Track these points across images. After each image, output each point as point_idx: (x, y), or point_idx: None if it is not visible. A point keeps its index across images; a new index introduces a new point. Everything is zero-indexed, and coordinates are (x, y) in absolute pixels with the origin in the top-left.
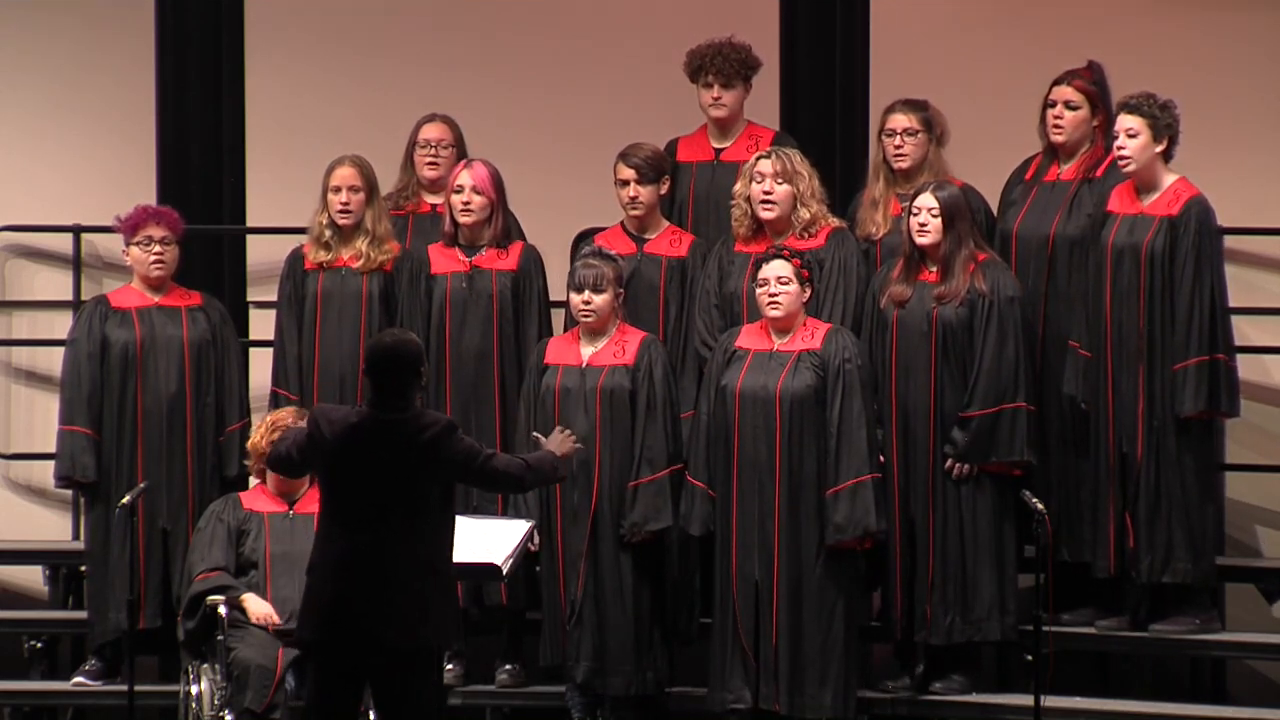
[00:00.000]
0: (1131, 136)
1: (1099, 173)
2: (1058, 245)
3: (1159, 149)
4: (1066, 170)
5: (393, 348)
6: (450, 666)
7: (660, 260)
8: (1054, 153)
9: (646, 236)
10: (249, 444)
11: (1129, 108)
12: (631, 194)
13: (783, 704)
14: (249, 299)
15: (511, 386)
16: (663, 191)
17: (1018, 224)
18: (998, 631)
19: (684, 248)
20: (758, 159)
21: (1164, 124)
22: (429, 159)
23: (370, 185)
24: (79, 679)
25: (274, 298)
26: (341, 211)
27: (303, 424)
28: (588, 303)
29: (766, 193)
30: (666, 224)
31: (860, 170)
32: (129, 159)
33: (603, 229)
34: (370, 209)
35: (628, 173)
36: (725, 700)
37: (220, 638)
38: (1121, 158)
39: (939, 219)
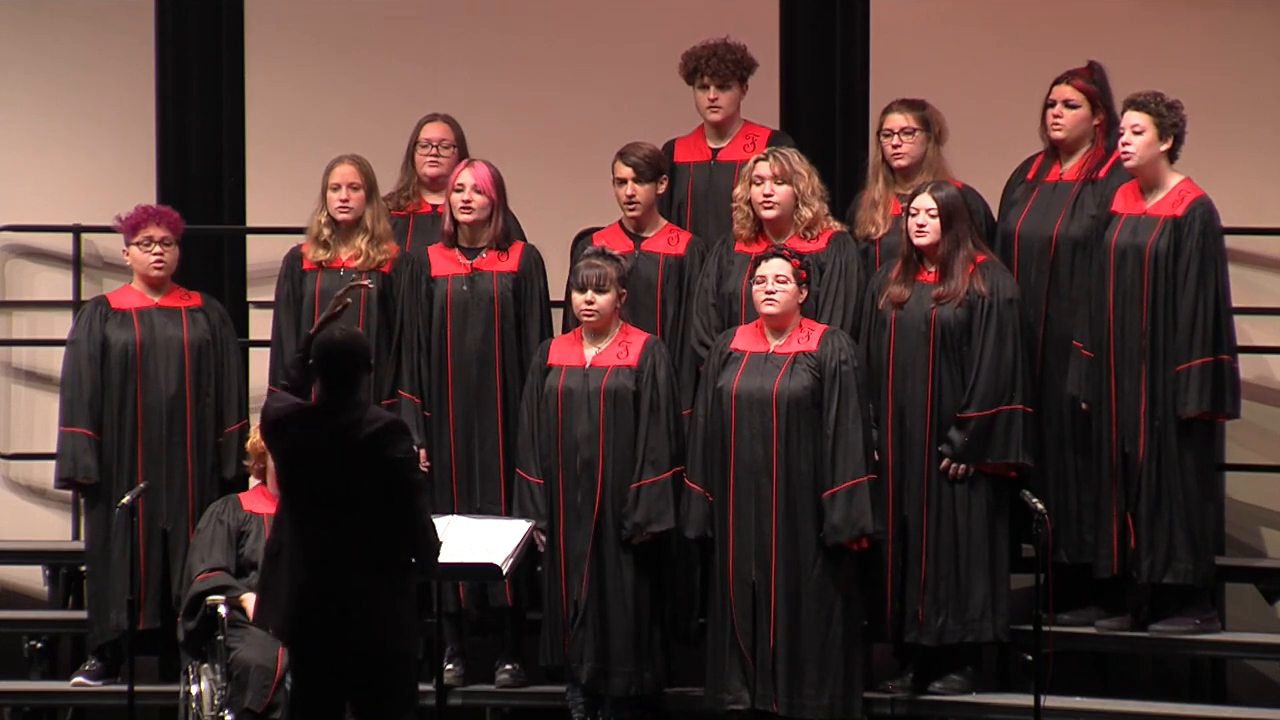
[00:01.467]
0: (1137, 133)
1: (1101, 174)
2: (1060, 246)
3: (1164, 148)
4: (1069, 170)
5: (342, 343)
6: (450, 666)
7: (657, 258)
8: (1055, 153)
9: (644, 235)
10: (248, 444)
11: (1136, 105)
12: (629, 192)
13: (781, 705)
14: (249, 299)
15: (513, 388)
16: (660, 191)
17: (1020, 224)
18: (990, 632)
19: (681, 246)
20: (756, 161)
21: (1170, 123)
22: (430, 158)
23: (370, 184)
24: (79, 679)
25: (273, 298)
26: (341, 208)
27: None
28: (590, 303)
29: (767, 195)
30: (664, 222)
31: (860, 170)
32: (129, 159)
33: (601, 229)
34: (370, 207)
35: (625, 171)
36: (724, 701)
37: (220, 638)
38: (1125, 154)
39: (937, 219)
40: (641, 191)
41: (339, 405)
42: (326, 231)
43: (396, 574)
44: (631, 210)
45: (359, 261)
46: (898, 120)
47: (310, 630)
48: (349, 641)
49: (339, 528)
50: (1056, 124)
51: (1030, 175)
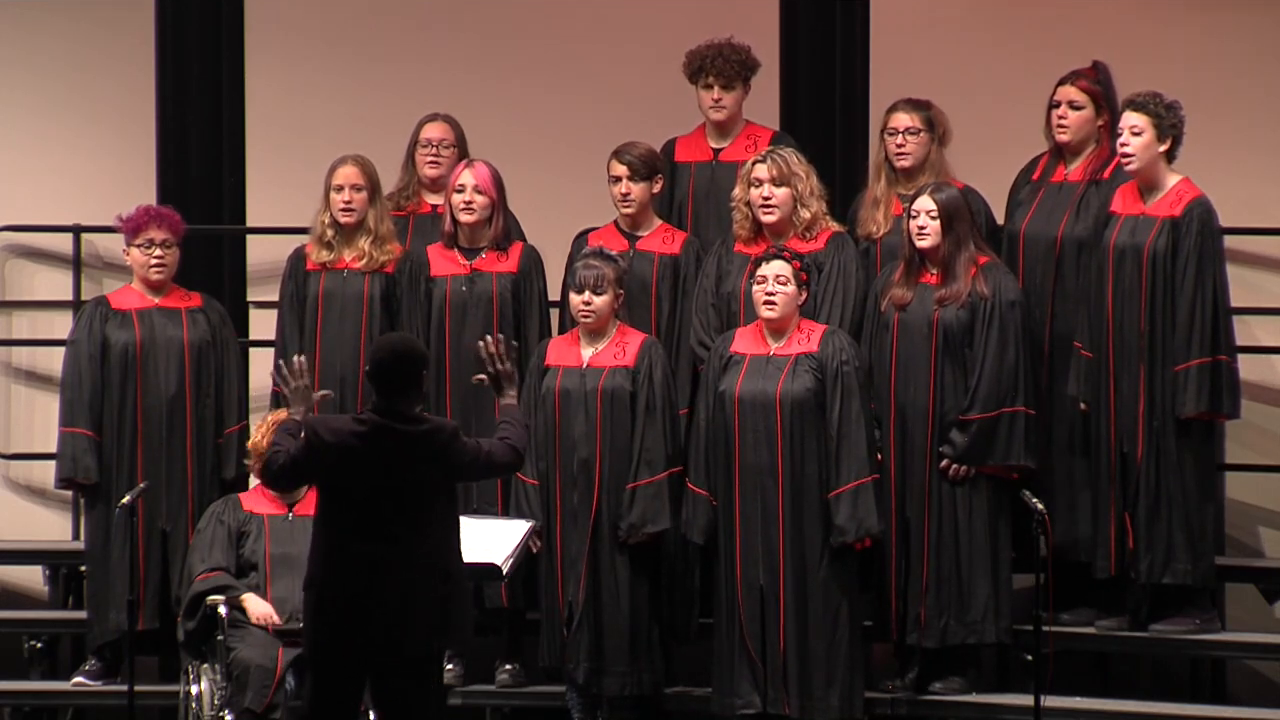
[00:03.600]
0: (1136, 134)
1: (1106, 174)
2: (1065, 246)
3: (1162, 149)
4: (1073, 171)
5: (399, 349)
6: (450, 666)
7: (652, 257)
8: (1060, 153)
9: (639, 234)
10: (249, 444)
11: (1135, 105)
12: (624, 190)
13: (795, 707)
14: (249, 299)
15: None
16: (655, 190)
17: (1025, 225)
18: (992, 634)
19: (676, 245)
20: (754, 163)
21: (1169, 124)
22: (430, 158)
23: (373, 184)
24: (79, 679)
25: (274, 298)
26: (344, 210)
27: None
28: (588, 303)
29: (766, 198)
30: (659, 222)
31: (860, 170)
32: (129, 159)
33: (598, 228)
34: (373, 208)
35: (620, 169)
36: (734, 705)
37: (220, 638)
38: (1124, 155)
39: (937, 221)
40: (636, 190)
41: (398, 416)
42: (330, 232)
43: (452, 576)
44: (626, 209)
45: (362, 263)
46: (902, 120)
47: (358, 639)
48: (399, 647)
49: (398, 539)
50: (1061, 125)
51: (1035, 176)
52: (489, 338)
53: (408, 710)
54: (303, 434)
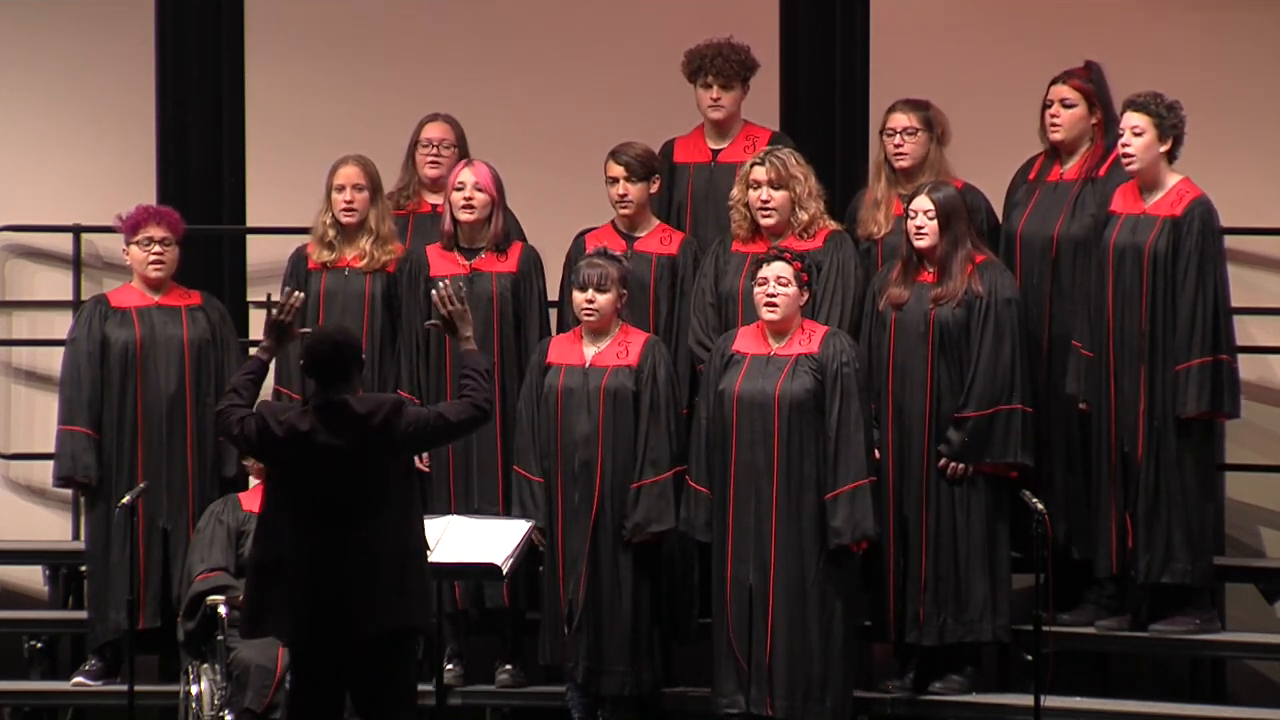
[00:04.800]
0: (1137, 135)
1: (1101, 172)
2: (1061, 245)
3: (1163, 149)
4: (1069, 170)
5: (334, 337)
6: (450, 666)
7: (650, 258)
8: (1055, 153)
9: (637, 235)
10: None
11: (1136, 106)
12: (621, 191)
13: (781, 708)
14: (249, 299)
15: (512, 389)
16: (653, 190)
17: (1021, 224)
18: (989, 632)
19: (674, 246)
20: (752, 165)
21: (1169, 124)
22: (431, 158)
23: (374, 184)
24: (79, 679)
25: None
26: (345, 210)
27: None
28: (591, 301)
29: (764, 201)
30: (657, 222)
31: (860, 170)
32: (129, 159)
33: (596, 228)
34: (374, 208)
35: (618, 170)
36: (719, 705)
37: (220, 638)
38: (1125, 155)
39: (934, 221)
40: (634, 191)
41: (338, 402)
42: (331, 232)
43: (409, 554)
44: (624, 209)
45: (364, 262)
46: (901, 120)
47: (321, 628)
48: (355, 631)
49: (352, 522)
50: (1054, 124)
51: (1031, 176)
52: (442, 283)
53: (379, 691)
54: (253, 420)
